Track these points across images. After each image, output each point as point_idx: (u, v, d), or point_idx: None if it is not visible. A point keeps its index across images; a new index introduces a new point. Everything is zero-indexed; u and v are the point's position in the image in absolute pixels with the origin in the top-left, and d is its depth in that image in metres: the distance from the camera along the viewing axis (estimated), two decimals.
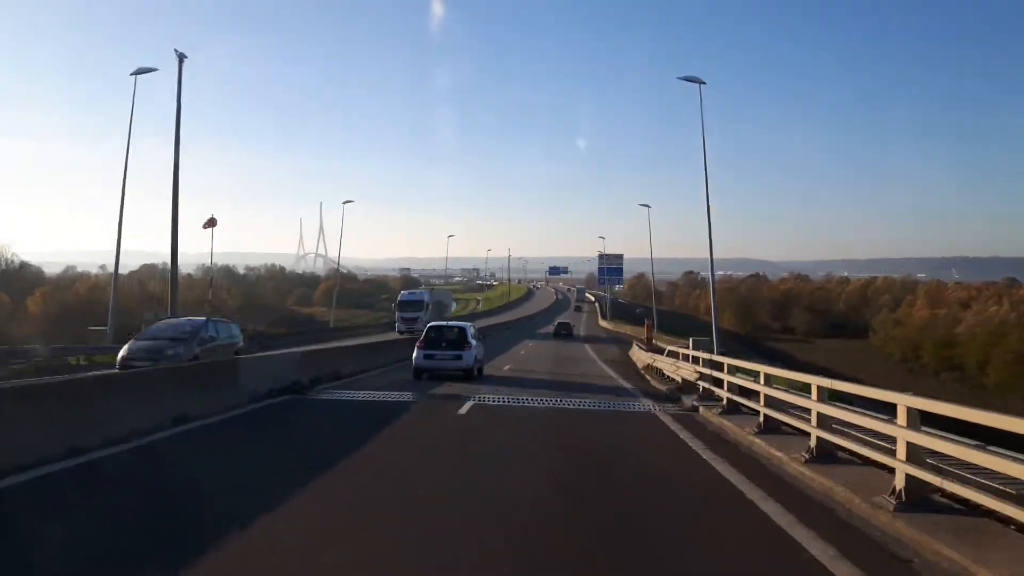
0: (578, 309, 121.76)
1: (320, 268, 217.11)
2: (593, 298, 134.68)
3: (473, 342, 19.36)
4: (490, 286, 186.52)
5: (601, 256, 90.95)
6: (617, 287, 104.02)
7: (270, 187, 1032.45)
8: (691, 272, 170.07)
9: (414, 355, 18.91)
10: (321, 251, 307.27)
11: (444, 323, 21.94)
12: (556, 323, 64.44)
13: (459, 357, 18.59)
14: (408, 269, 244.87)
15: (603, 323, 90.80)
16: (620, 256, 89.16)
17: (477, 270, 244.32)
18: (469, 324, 21.32)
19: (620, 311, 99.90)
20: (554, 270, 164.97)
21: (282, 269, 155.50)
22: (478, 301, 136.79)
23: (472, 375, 18.85)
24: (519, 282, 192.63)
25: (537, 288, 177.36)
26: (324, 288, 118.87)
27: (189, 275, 79.05)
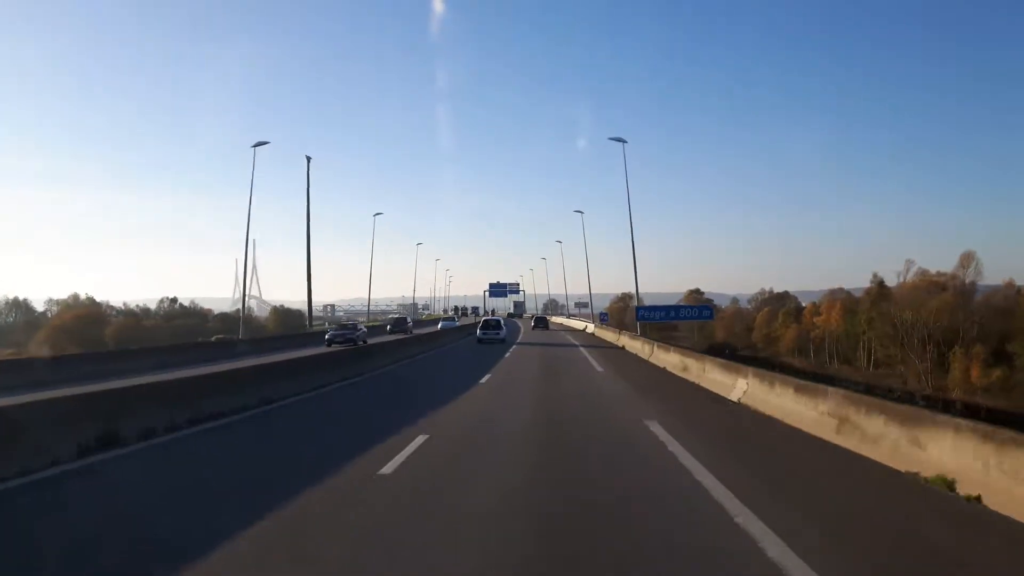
0: (513, 316, 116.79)
1: (254, 309, 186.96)
2: (580, 325, 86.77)
3: (504, 327, 43.02)
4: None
5: None
6: None
7: (213, 230, 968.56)
8: (697, 290, 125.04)
9: (477, 332, 42.09)
10: (255, 292, 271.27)
11: (491, 317, 49.10)
12: (534, 318, 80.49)
13: (498, 334, 40.93)
14: (333, 305, 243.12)
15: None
16: None
17: (415, 304, 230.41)
18: (501, 317, 54.59)
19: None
20: (496, 289, 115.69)
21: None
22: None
23: (504, 343, 39.11)
24: (451, 310, 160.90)
25: (467, 314, 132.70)
26: (73, 317, 69.61)
27: None
